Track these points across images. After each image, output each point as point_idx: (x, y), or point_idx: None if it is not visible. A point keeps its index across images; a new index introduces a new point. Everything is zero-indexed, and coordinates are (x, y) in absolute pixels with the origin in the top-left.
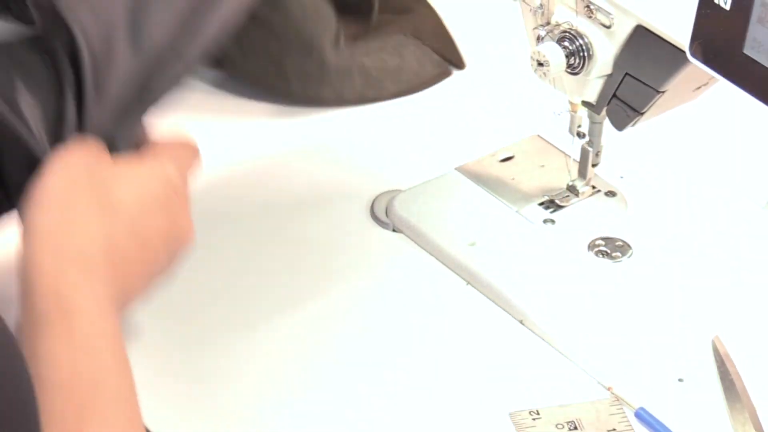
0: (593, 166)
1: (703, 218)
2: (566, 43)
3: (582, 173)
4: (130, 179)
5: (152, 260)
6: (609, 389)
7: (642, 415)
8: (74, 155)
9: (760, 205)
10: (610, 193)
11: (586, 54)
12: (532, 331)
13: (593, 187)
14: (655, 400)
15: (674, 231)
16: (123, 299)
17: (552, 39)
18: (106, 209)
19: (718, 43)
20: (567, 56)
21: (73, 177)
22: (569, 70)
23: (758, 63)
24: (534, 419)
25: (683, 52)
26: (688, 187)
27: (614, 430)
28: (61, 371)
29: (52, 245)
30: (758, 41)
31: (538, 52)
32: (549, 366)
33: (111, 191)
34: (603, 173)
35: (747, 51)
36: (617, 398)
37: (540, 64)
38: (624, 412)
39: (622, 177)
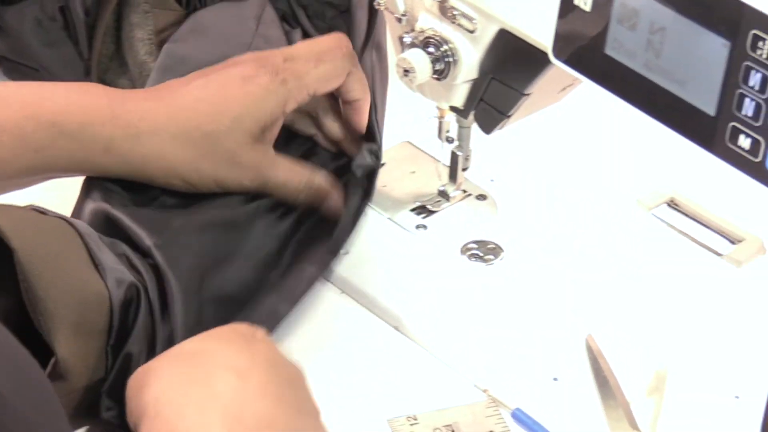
0: (463, 170)
1: (572, 217)
2: (431, 50)
3: (452, 178)
4: None
5: None
6: (485, 391)
7: (518, 416)
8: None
9: (629, 203)
10: (481, 197)
11: (451, 59)
12: (408, 337)
13: (464, 191)
14: (531, 400)
15: (545, 231)
16: None
17: (417, 46)
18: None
19: (581, 45)
20: (432, 62)
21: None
22: (435, 76)
23: (620, 63)
24: (412, 425)
25: (547, 54)
26: (557, 187)
27: None
28: None
29: None
30: (619, 41)
31: (404, 59)
32: (426, 371)
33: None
34: (473, 177)
35: (608, 51)
36: (493, 400)
37: (406, 72)
38: (500, 414)
39: (492, 180)
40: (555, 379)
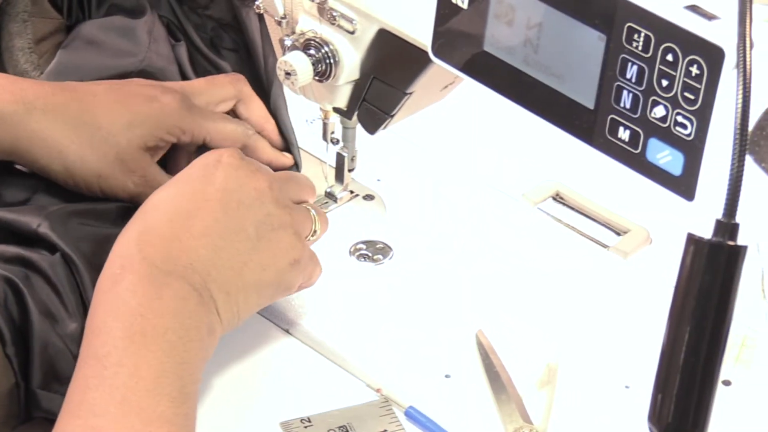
0: (349, 171)
1: (459, 214)
2: (312, 51)
3: (339, 179)
4: None
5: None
6: (378, 391)
7: (412, 414)
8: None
9: (515, 198)
10: (369, 197)
11: (332, 61)
12: (300, 340)
13: (351, 192)
14: (425, 398)
15: (432, 229)
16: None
17: (298, 48)
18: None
19: (459, 42)
20: (313, 64)
21: None
22: (317, 78)
23: (499, 59)
24: (306, 427)
25: (427, 52)
26: (443, 185)
27: (385, 431)
28: None
29: None
30: (497, 38)
31: (285, 62)
32: (318, 373)
33: None
34: (360, 177)
35: (487, 48)
36: (387, 399)
37: (288, 74)
38: (394, 413)
39: (379, 180)
40: (447, 376)
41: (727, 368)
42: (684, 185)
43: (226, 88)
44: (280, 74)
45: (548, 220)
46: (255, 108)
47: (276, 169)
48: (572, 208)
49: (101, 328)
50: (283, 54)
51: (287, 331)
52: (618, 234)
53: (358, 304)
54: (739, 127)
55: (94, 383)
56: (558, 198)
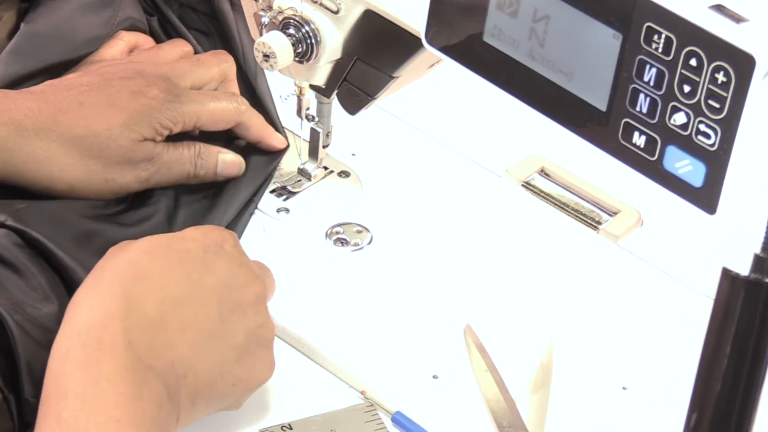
0: (324, 147)
1: (441, 194)
2: (292, 31)
3: (313, 156)
4: None
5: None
6: (362, 393)
7: (399, 420)
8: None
9: (498, 175)
10: (344, 173)
11: (313, 41)
12: (278, 337)
13: (325, 168)
14: (411, 401)
15: (412, 210)
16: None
17: (276, 27)
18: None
19: (457, 31)
20: (293, 44)
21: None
22: (297, 59)
23: (500, 51)
24: None
25: (418, 37)
26: (423, 161)
27: None
28: None
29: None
30: (499, 28)
31: (263, 43)
32: (297, 373)
33: None
34: (334, 152)
35: (487, 39)
36: (372, 403)
37: (266, 56)
38: (380, 418)
39: (354, 155)
40: (435, 376)
41: None
42: (705, 197)
43: (213, 69)
44: (258, 56)
45: (533, 200)
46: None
47: (266, 150)
48: (558, 185)
49: (70, 418)
50: (260, 33)
51: None
52: (609, 215)
53: (337, 296)
54: None
55: None
56: (543, 174)
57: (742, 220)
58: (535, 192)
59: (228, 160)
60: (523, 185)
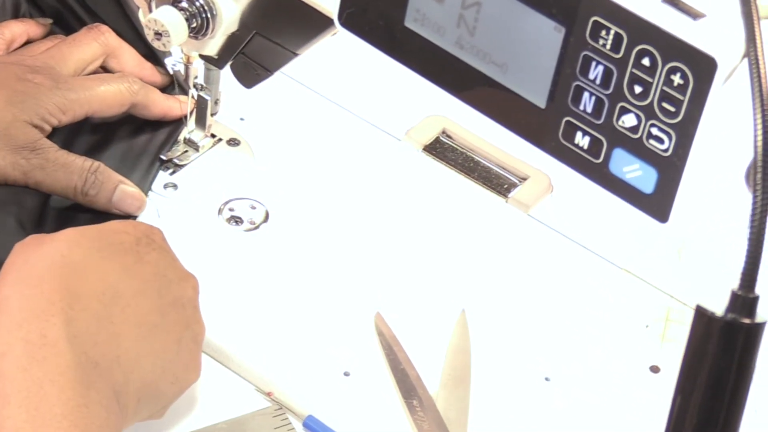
0: (212, 115)
1: (338, 162)
2: (184, 5)
3: (200, 124)
4: None
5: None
6: (269, 395)
7: (311, 426)
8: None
9: (400, 138)
10: (233, 141)
11: (208, 15)
12: None
13: (213, 136)
14: (323, 402)
15: (309, 182)
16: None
17: (167, 0)
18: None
19: (374, 14)
20: (187, 19)
21: None
22: (192, 35)
23: (424, 38)
24: None
25: (328, 17)
26: (318, 124)
27: None
28: None
29: None
30: (422, 13)
31: (155, 20)
32: (203, 377)
33: None
34: (221, 118)
35: (409, 24)
36: (280, 406)
37: (158, 35)
38: (290, 422)
39: (242, 119)
40: (346, 373)
41: (653, 350)
42: (656, 204)
43: (92, 45)
44: (149, 34)
45: (437, 166)
46: (127, 58)
47: (171, 120)
48: (462, 148)
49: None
50: (150, 8)
51: None
52: (517, 182)
53: (235, 284)
54: (761, 169)
55: None
56: (445, 136)
57: (716, 251)
58: (437, 157)
59: (128, 192)
60: (424, 150)
